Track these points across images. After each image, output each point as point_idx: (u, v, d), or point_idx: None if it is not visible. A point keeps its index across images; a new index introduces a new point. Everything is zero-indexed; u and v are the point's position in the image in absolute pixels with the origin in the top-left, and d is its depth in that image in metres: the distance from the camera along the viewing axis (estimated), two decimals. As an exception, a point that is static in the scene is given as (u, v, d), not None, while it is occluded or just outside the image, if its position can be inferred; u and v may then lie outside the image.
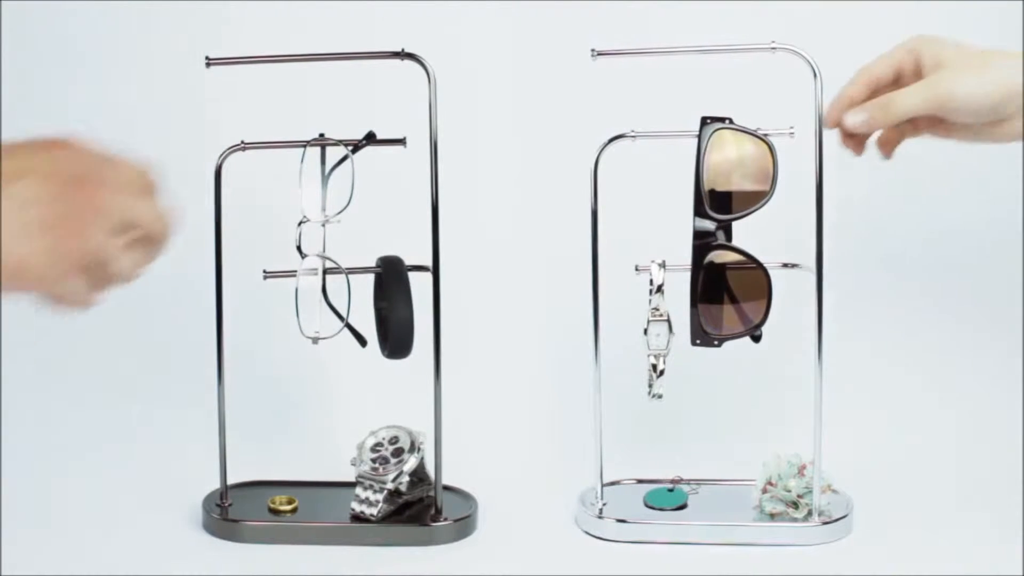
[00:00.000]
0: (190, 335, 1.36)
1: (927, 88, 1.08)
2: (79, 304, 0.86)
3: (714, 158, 1.12)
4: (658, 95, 1.33)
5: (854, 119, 1.10)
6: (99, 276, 0.86)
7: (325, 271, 1.12)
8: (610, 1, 1.38)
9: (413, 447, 1.16)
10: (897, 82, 1.11)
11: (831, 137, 1.12)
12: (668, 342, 1.13)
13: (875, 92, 1.11)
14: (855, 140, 1.12)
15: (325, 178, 1.13)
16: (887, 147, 1.15)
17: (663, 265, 1.13)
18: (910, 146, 1.40)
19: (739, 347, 1.37)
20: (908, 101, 1.08)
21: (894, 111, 1.09)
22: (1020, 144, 1.30)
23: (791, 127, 1.12)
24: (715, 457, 1.26)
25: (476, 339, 1.38)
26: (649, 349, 1.13)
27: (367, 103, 1.35)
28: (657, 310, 1.13)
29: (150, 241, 0.88)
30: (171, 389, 1.38)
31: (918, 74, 1.10)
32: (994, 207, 1.40)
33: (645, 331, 1.13)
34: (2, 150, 0.82)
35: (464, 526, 1.15)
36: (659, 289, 1.13)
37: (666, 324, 1.13)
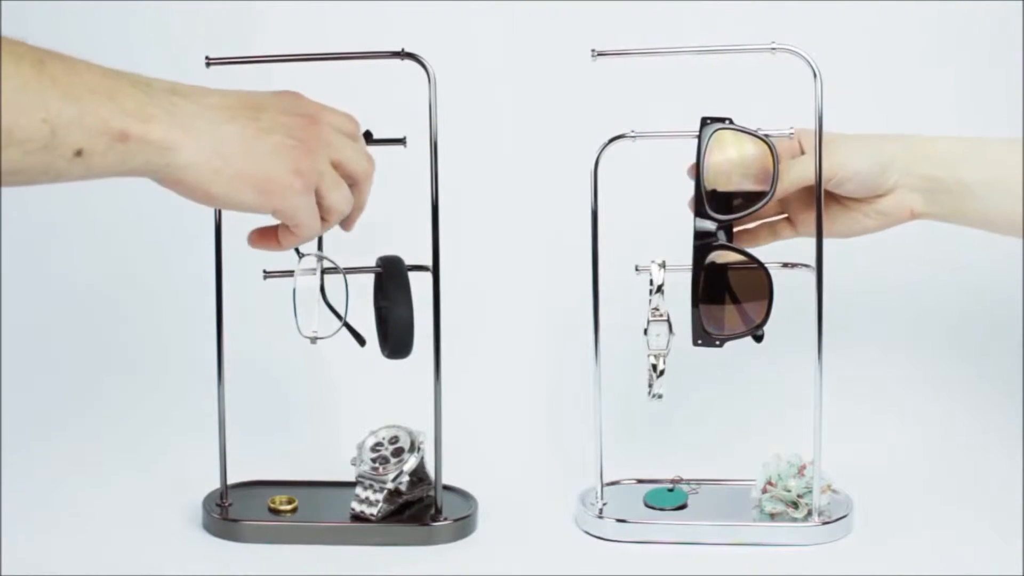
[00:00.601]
0: (190, 335, 1.37)
1: (807, 162, 1.12)
2: (308, 228, 0.97)
3: (714, 158, 1.12)
4: (658, 95, 1.33)
5: (799, 170, 1.12)
6: (319, 204, 0.98)
7: (323, 271, 1.12)
8: (610, 1, 1.38)
9: (413, 447, 1.16)
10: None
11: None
12: (668, 342, 1.13)
13: None
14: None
15: None
16: (752, 240, 1.18)
17: (663, 265, 1.13)
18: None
19: (739, 347, 1.37)
20: (799, 168, 1.12)
21: (790, 177, 1.12)
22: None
23: (791, 127, 1.12)
24: (715, 457, 1.26)
25: (476, 339, 1.38)
26: (649, 349, 1.13)
27: (367, 103, 1.35)
28: (657, 310, 1.13)
29: (354, 180, 1.01)
30: (171, 389, 1.38)
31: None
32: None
33: (645, 331, 1.13)
34: (245, 93, 0.95)
35: (464, 526, 1.15)
36: (659, 289, 1.13)
37: (666, 324, 1.13)
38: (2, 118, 0.81)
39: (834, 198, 1.15)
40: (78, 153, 0.84)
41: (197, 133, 0.90)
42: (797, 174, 1.12)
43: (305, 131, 0.96)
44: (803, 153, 1.15)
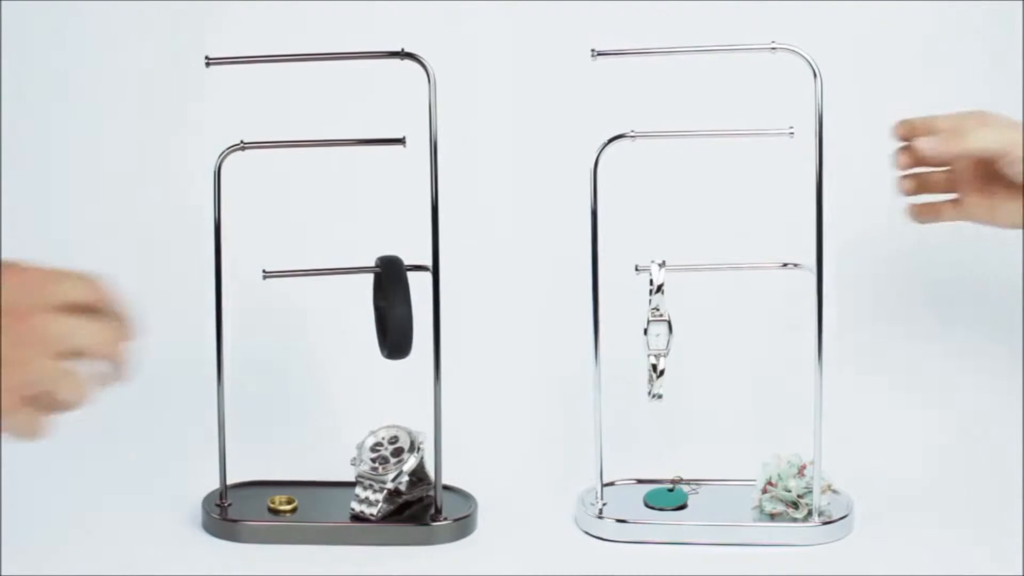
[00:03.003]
0: (190, 335, 1.36)
1: (1000, 130, 1.12)
2: (28, 434, 0.87)
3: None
4: (658, 95, 1.33)
5: (927, 143, 1.13)
6: (47, 405, 0.86)
7: (325, 271, 1.12)
8: (610, 1, 1.38)
9: (413, 447, 1.16)
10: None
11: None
12: (668, 342, 1.13)
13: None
14: (914, 182, 1.17)
15: None
16: (925, 212, 1.19)
17: (663, 265, 1.13)
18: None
19: (739, 347, 1.37)
20: (982, 134, 1.12)
21: (968, 141, 1.12)
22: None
23: (791, 127, 1.12)
24: (715, 457, 1.26)
25: (476, 339, 1.38)
26: (649, 349, 1.13)
27: (367, 103, 1.35)
28: (657, 310, 1.13)
29: (104, 361, 0.89)
30: (171, 389, 1.38)
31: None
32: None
33: (645, 331, 1.13)
34: None
35: (464, 526, 1.15)
36: (659, 289, 1.13)
37: (666, 324, 1.13)
38: None
39: (1004, 185, 1.14)
40: None
41: None
42: (974, 139, 1.12)
43: (10, 334, 0.84)
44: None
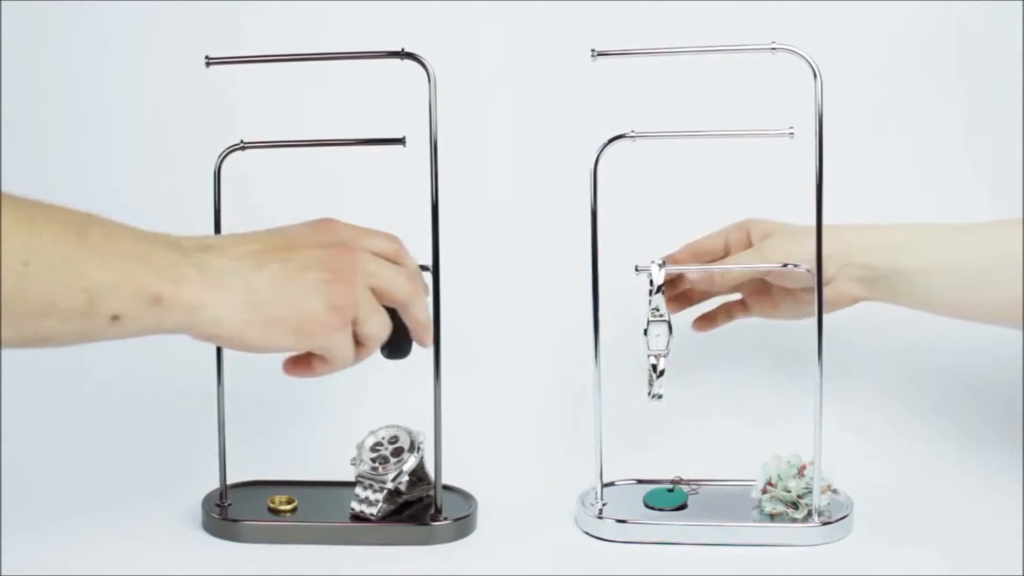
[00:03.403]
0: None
1: (758, 252, 1.18)
2: (343, 359, 0.97)
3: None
4: (658, 95, 1.33)
5: (696, 274, 1.19)
6: (357, 334, 0.97)
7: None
8: (610, 1, 1.38)
9: (413, 447, 1.16)
10: (726, 255, 1.21)
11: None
12: (668, 343, 1.13)
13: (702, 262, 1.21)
14: (682, 301, 1.22)
15: None
16: (708, 323, 1.24)
17: (663, 265, 1.13)
18: (911, 149, 1.40)
19: (739, 347, 1.37)
20: (740, 262, 1.18)
21: (733, 272, 1.17)
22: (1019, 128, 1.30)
23: (791, 127, 1.12)
24: (715, 457, 1.26)
25: (476, 339, 1.38)
26: (649, 349, 1.13)
27: (367, 103, 1.35)
28: (657, 310, 1.13)
29: (399, 303, 1.00)
30: (171, 389, 1.38)
31: (747, 246, 1.20)
32: (991, 204, 1.40)
33: (645, 331, 1.13)
34: (276, 233, 0.97)
35: (464, 525, 1.15)
36: (659, 289, 1.13)
37: (666, 325, 1.13)
38: (45, 290, 0.82)
39: (781, 287, 1.20)
40: (115, 318, 0.86)
41: (227, 287, 0.90)
42: (733, 270, 1.18)
43: (339, 262, 0.96)
44: (751, 246, 1.20)
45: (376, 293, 0.98)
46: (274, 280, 0.92)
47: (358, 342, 0.98)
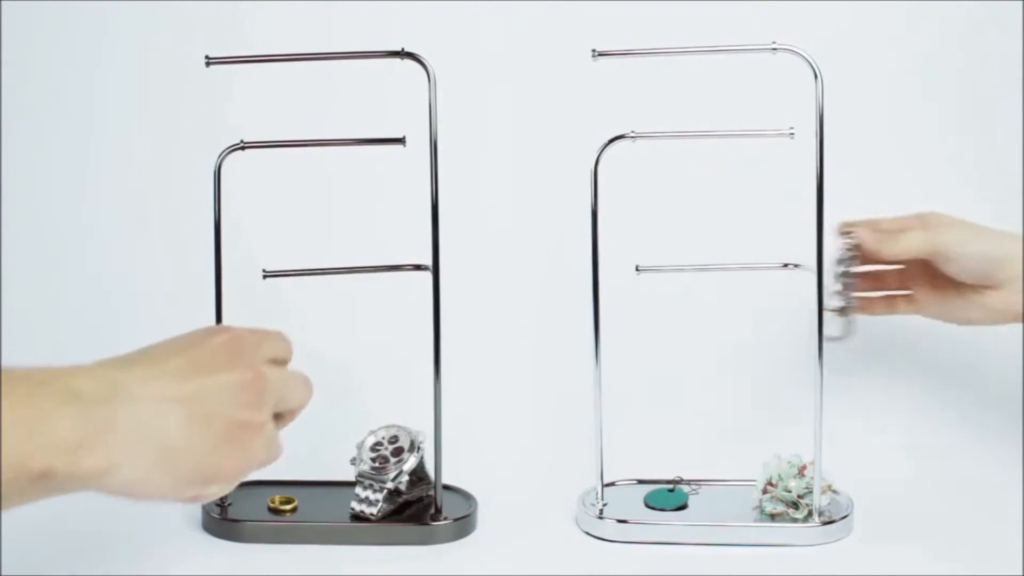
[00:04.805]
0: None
1: (932, 234, 1.17)
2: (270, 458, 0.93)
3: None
4: (658, 95, 1.33)
5: (866, 235, 1.18)
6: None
7: (325, 271, 1.12)
8: (610, 1, 1.38)
9: (413, 446, 1.16)
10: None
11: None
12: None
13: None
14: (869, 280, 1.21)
15: None
16: (882, 305, 1.23)
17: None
18: (911, 149, 1.40)
19: (739, 347, 1.37)
20: (912, 239, 1.17)
21: (898, 246, 1.17)
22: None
23: (791, 127, 1.12)
24: (715, 457, 1.26)
25: (476, 339, 1.38)
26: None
27: (367, 103, 1.35)
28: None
29: (298, 410, 0.98)
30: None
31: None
32: (991, 205, 1.40)
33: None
34: (181, 353, 0.88)
35: (464, 525, 1.15)
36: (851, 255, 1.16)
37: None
38: None
39: (951, 282, 1.18)
40: None
41: (137, 445, 0.82)
42: (904, 241, 1.17)
43: (248, 396, 0.89)
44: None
45: (278, 407, 0.94)
46: (184, 430, 0.84)
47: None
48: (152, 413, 0.83)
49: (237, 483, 0.90)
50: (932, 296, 1.20)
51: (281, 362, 0.96)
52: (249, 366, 0.90)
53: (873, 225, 1.19)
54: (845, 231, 1.18)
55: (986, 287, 1.16)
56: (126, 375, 0.84)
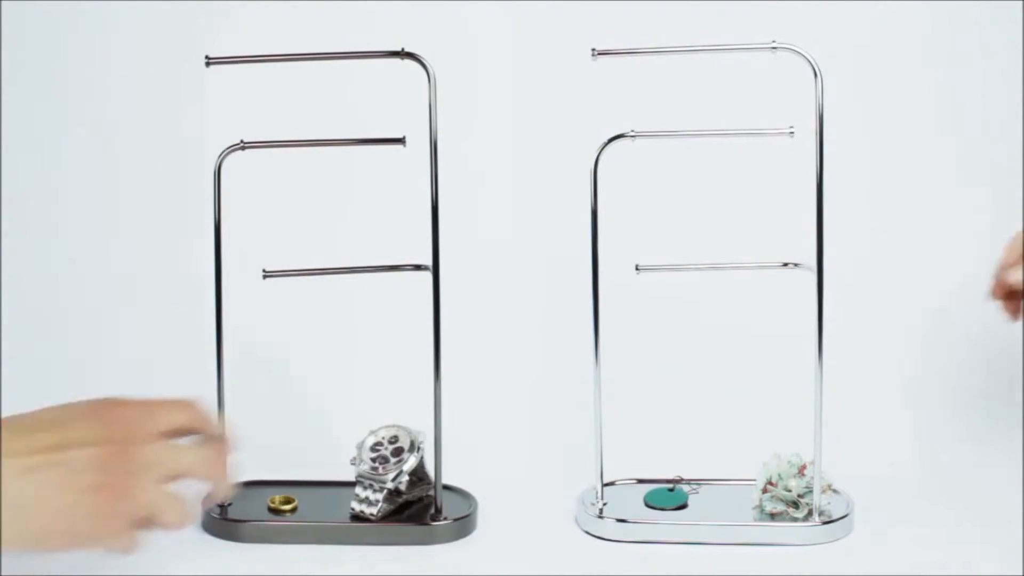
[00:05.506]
0: (190, 334, 1.36)
1: None
2: (127, 551, 0.93)
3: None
4: (658, 95, 1.33)
5: (1015, 276, 1.16)
6: (149, 527, 0.93)
7: (325, 271, 1.12)
8: (610, 1, 1.38)
9: (413, 446, 1.16)
10: None
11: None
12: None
13: None
14: (1013, 302, 1.19)
15: None
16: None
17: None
18: (911, 149, 1.40)
19: (739, 348, 1.37)
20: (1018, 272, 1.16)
21: (1011, 277, 1.15)
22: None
23: (791, 127, 1.12)
24: (715, 457, 1.26)
25: (476, 339, 1.38)
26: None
27: (367, 103, 1.35)
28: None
29: (205, 480, 0.97)
30: (170, 389, 1.37)
31: None
32: (991, 203, 1.40)
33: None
34: (54, 422, 0.92)
35: (464, 525, 1.15)
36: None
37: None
38: None
39: None
40: None
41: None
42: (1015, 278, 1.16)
43: (113, 465, 0.91)
44: None
45: (172, 477, 0.93)
46: (41, 490, 0.88)
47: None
48: (9, 470, 0.88)
49: (116, 546, 0.92)
50: None
51: (183, 431, 0.96)
52: (121, 440, 0.91)
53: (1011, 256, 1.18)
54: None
55: None
56: None
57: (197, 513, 0.97)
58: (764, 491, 1.16)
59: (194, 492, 0.96)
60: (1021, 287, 1.17)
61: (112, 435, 0.92)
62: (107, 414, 0.93)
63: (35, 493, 0.89)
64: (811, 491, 1.14)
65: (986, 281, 1.26)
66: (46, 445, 0.90)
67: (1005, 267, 1.18)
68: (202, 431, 0.97)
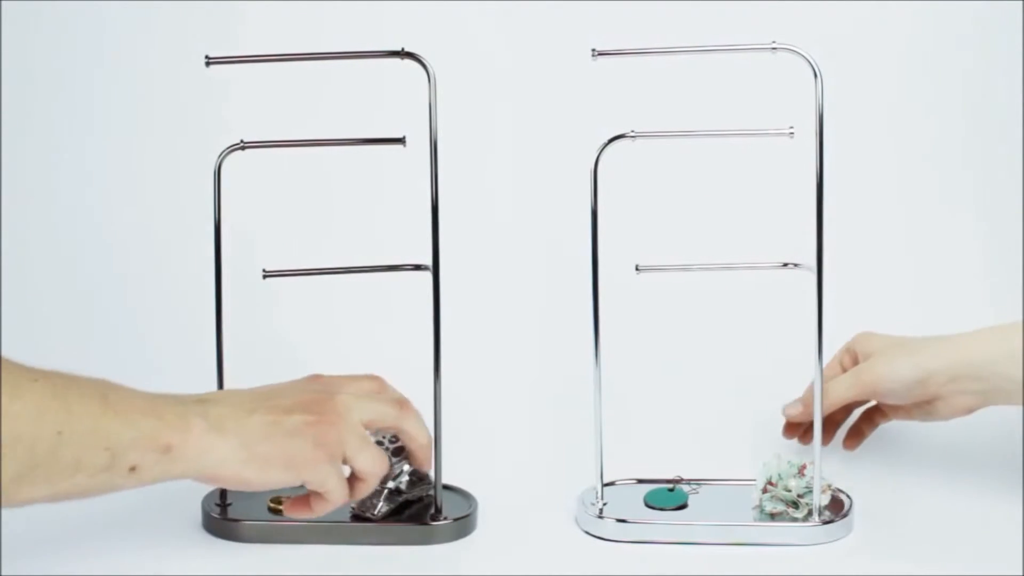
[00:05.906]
0: (190, 334, 1.37)
1: (855, 375, 1.19)
2: (336, 493, 1.05)
3: None
4: (658, 95, 1.33)
5: (791, 410, 1.21)
6: (354, 470, 1.06)
7: (325, 271, 1.12)
8: (610, 1, 1.38)
9: (413, 447, 1.16)
10: None
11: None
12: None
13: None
14: (796, 430, 1.23)
15: None
16: (851, 441, 1.25)
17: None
18: (911, 149, 1.40)
19: (739, 347, 1.37)
20: (838, 388, 1.19)
21: (828, 399, 1.18)
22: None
23: (791, 127, 1.12)
24: (715, 457, 1.26)
25: (476, 339, 1.38)
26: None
27: (367, 103, 1.35)
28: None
29: (391, 429, 1.10)
30: (171, 388, 1.37)
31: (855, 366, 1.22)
32: (990, 204, 1.40)
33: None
34: (266, 387, 1.07)
35: (464, 525, 1.15)
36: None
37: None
38: (74, 453, 0.93)
39: (887, 404, 1.21)
40: (132, 469, 0.96)
41: (226, 431, 1.00)
42: (832, 394, 1.19)
43: (322, 405, 1.04)
44: (855, 363, 1.21)
45: (366, 424, 1.06)
46: (264, 424, 1.02)
47: (358, 477, 1.06)
48: (236, 412, 1.02)
49: (324, 480, 1.04)
50: (889, 413, 1.23)
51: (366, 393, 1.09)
52: (324, 391, 1.06)
53: (806, 399, 1.21)
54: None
55: (925, 402, 1.18)
56: (216, 394, 1.06)
57: (387, 465, 1.07)
58: (764, 491, 1.16)
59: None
60: (796, 419, 1.22)
61: (316, 389, 1.07)
62: (311, 379, 1.09)
63: (260, 427, 1.01)
64: (811, 491, 1.14)
65: (986, 281, 1.26)
66: (263, 396, 1.04)
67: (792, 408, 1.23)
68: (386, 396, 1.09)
